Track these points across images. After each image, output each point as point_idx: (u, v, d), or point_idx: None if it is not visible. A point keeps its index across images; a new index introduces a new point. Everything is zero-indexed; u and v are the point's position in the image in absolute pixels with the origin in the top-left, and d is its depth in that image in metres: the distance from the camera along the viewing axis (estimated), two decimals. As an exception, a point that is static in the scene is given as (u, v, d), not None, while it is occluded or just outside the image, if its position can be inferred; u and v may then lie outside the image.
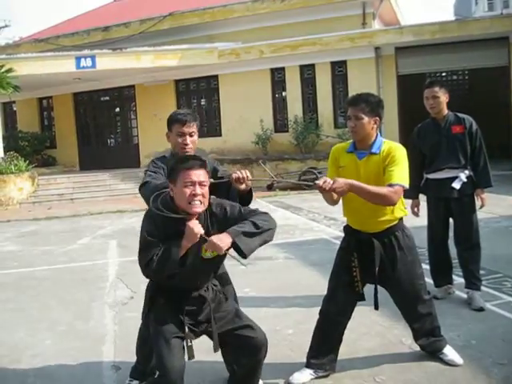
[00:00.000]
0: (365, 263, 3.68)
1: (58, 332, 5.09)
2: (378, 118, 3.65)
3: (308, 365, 3.81)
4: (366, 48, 17.15)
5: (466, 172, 5.10)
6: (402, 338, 4.34)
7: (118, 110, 22.58)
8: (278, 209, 12.32)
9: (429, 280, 5.55)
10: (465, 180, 5.08)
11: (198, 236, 2.92)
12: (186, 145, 3.58)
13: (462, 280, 5.36)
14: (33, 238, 10.78)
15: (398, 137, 17.43)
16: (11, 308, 5.99)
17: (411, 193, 5.40)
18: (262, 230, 3.03)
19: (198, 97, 20.74)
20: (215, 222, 3.12)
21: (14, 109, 24.26)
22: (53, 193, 17.31)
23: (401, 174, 3.47)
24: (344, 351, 4.05)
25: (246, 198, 3.51)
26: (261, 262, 7.44)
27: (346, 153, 3.72)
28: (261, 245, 3.06)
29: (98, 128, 22.48)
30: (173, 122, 3.62)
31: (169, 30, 20.40)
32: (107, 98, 22.25)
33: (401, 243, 3.68)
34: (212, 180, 3.28)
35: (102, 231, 10.96)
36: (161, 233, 3.01)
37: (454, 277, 5.46)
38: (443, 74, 22.36)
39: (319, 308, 3.90)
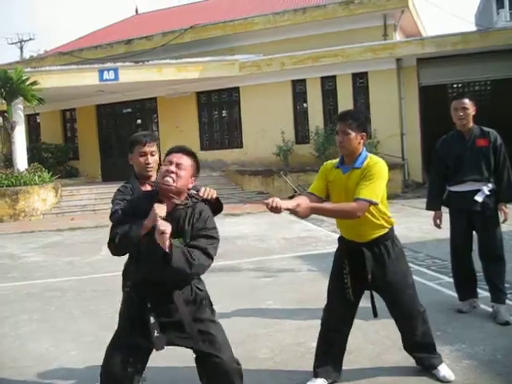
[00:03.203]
0: (357, 271, 3.77)
1: (83, 343, 5.14)
2: (364, 134, 3.75)
3: (316, 374, 3.89)
4: (388, 59, 17.14)
5: (489, 185, 5.08)
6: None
7: (139, 121, 22.68)
8: (300, 220, 12.30)
9: (453, 293, 5.54)
10: (487, 193, 5.06)
11: (158, 217, 2.89)
12: (148, 164, 3.68)
13: (486, 293, 5.32)
14: (56, 249, 10.90)
15: (420, 147, 17.40)
16: (37, 318, 6.06)
17: (433, 204, 5.42)
18: (195, 264, 2.94)
19: (220, 109, 20.85)
20: (192, 223, 3.09)
21: (38, 121, 24.60)
22: (76, 204, 17.50)
23: (369, 190, 3.55)
24: (368, 364, 4.04)
25: (216, 207, 3.46)
26: (283, 275, 7.46)
27: (335, 168, 3.86)
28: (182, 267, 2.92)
29: (120, 140, 22.60)
30: (134, 143, 3.74)
31: (190, 42, 20.63)
32: (129, 110, 22.46)
33: (390, 252, 3.79)
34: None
35: (124, 242, 11.03)
36: (132, 208, 3.14)
37: (478, 290, 5.41)
38: (465, 85, 22.23)
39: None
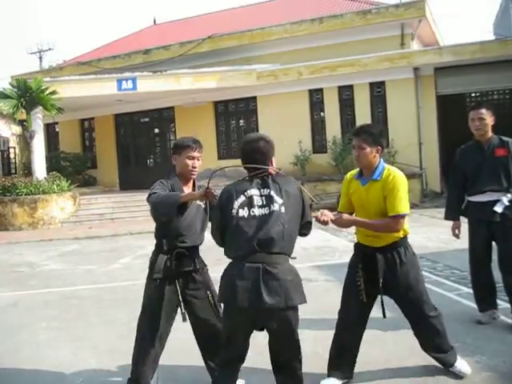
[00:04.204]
0: (370, 275, 3.91)
1: (102, 351, 5.16)
2: (379, 148, 3.92)
3: (330, 374, 4.03)
4: (405, 68, 17.08)
5: (509, 196, 5.03)
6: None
7: (157, 131, 22.83)
8: (318, 230, 12.24)
9: (473, 304, 5.48)
10: (507, 204, 5.01)
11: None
12: (195, 167, 4.01)
13: (507, 305, 5.26)
14: (74, 257, 10.98)
15: (438, 157, 17.28)
16: (55, 326, 6.10)
17: (452, 214, 5.38)
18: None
19: (237, 118, 20.89)
20: None
21: (57, 130, 24.81)
22: (93, 212, 17.61)
23: (399, 204, 3.78)
24: (387, 373, 4.01)
25: None
26: (300, 284, 7.42)
27: (354, 179, 4.06)
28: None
29: (138, 149, 22.76)
30: (184, 146, 4.00)
31: (208, 52, 20.71)
32: (147, 119, 22.58)
33: (402, 258, 3.93)
34: None
35: (142, 251, 11.05)
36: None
37: (498, 301, 5.35)
38: (483, 94, 22.07)
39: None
